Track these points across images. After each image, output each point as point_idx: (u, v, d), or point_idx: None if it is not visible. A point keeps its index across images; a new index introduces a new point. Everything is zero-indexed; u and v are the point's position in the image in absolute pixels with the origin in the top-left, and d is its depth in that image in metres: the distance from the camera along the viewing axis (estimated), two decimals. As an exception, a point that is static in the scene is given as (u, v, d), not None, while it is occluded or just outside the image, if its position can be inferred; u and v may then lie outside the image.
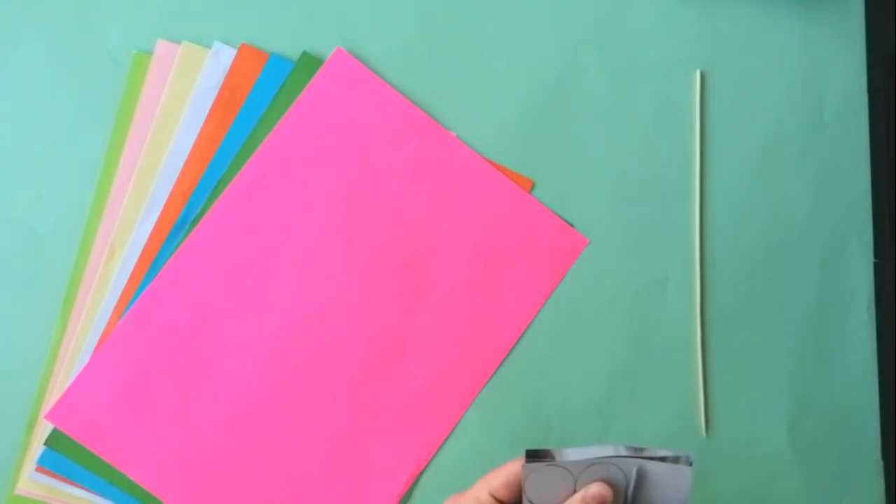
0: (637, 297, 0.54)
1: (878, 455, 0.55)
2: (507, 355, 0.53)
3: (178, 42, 0.53)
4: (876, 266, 0.56)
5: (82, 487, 0.50)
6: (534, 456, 0.38)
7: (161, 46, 0.52)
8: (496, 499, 0.39)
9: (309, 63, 0.53)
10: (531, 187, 0.54)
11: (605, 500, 0.37)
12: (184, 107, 0.52)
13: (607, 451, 0.38)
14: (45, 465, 0.50)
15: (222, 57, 0.53)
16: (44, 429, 0.50)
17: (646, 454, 0.38)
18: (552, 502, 0.38)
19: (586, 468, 0.38)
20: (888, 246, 0.55)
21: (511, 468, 0.39)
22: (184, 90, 0.52)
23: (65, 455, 0.50)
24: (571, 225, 0.54)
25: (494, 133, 0.54)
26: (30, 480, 0.50)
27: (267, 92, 0.53)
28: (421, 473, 0.52)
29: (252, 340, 0.51)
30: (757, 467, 0.54)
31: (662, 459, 0.38)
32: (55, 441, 0.50)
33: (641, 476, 0.38)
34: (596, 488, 0.37)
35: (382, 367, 0.52)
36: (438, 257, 0.53)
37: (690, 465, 0.37)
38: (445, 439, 0.52)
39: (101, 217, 0.51)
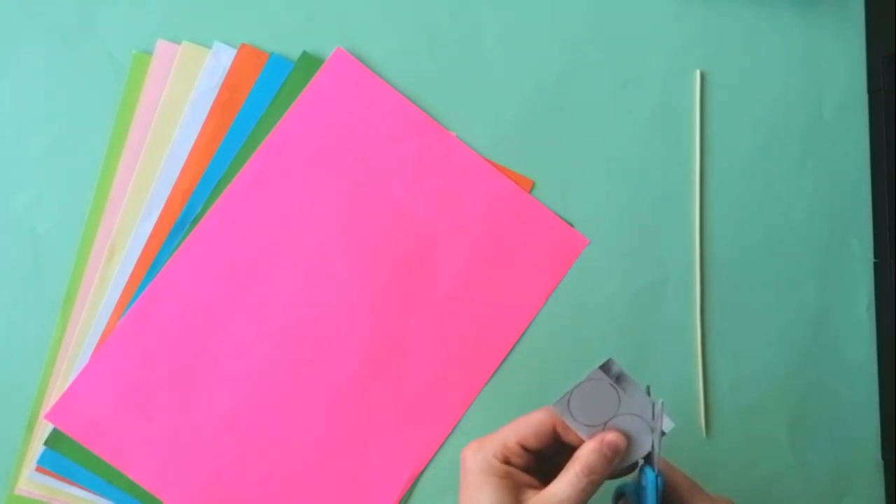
0: (637, 297, 0.54)
1: (878, 455, 0.55)
2: (508, 355, 0.53)
3: (178, 42, 0.53)
4: (876, 266, 0.56)
5: (82, 487, 0.50)
6: (606, 368, 0.39)
7: (161, 46, 0.52)
8: (524, 447, 0.39)
9: (309, 63, 0.53)
10: (531, 187, 0.54)
11: (619, 450, 0.38)
12: (184, 107, 0.52)
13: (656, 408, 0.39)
14: (45, 465, 0.50)
15: (222, 57, 0.53)
16: (44, 429, 0.50)
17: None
18: (585, 416, 0.39)
19: (627, 414, 0.39)
20: (888, 246, 0.55)
21: (539, 418, 0.39)
22: (184, 90, 0.52)
23: (65, 455, 0.50)
24: (571, 225, 0.54)
25: (494, 133, 0.54)
26: (30, 480, 0.50)
27: (267, 92, 0.53)
28: (421, 473, 0.52)
29: (252, 340, 0.51)
30: (757, 467, 0.54)
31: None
32: (55, 441, 0.50)
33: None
34: (612, 437, 0.38)
35: (382, 367, 0.52)
36: (438, 257, 0.53)
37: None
38: (445, 439, 0.52)
39: (101, 217, 0.51)
